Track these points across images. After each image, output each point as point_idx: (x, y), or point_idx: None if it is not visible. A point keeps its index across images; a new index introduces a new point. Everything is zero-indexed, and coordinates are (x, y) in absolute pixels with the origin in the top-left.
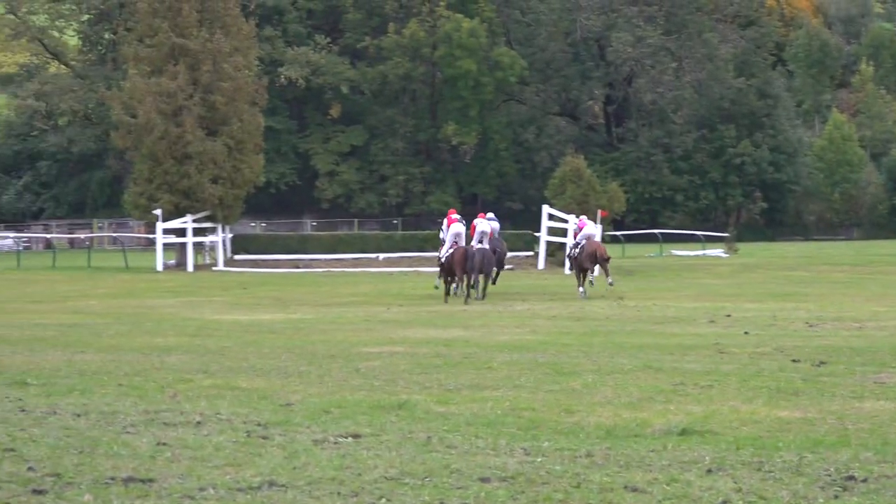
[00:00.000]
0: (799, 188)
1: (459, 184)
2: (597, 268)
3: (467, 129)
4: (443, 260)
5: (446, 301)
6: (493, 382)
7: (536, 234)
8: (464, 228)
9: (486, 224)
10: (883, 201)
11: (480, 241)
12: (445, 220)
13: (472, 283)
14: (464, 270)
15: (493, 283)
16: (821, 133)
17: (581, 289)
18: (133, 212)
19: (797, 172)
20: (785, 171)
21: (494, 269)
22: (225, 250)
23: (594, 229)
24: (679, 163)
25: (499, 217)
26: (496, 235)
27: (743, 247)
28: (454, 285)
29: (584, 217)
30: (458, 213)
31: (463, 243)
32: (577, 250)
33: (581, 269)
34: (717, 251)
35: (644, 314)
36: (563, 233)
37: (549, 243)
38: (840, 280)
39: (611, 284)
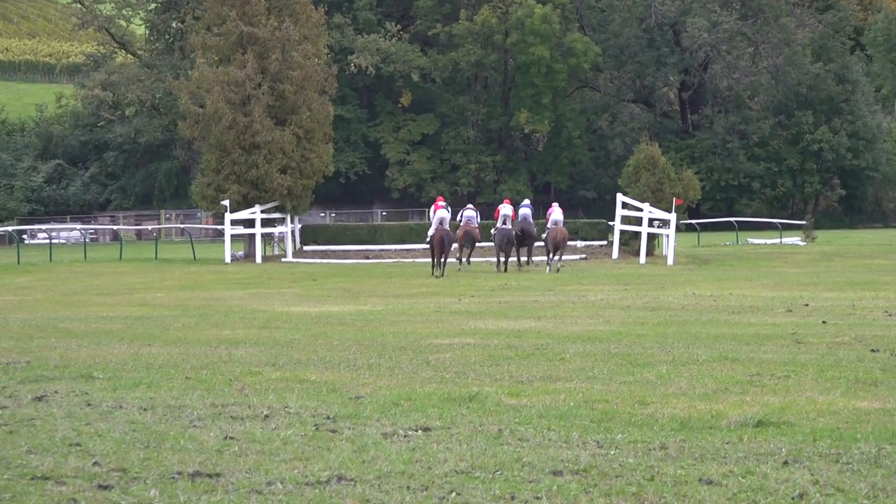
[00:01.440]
0: (878, 175)
1: (532, 172)
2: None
3: (540, 116)
4: (427, 241)
5: (433, 274)
6: (565, 374)
7: (610, 223)
8: (448, 214)
9: (509, 208)
10: None
11: (504, 223)
12: (433, 207)
13: (501, 259)
14: (441, 251)
15: (528, 263)
16: None
17: (549, 266)
18: (201, 203)
19: (876, 159)
20: (863, 158)
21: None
22: (294, 241)
23: (560, 216)
24: (755, 150)
25: (572, 206)
26: (530, 220)
27: (821, 234)
28: (463, 260)
29: (555, 204)
30: (529, 201)
31: (447, 227)
32: (545, 235)
33: (546, 251)
34: (794, 239)
35: (720, 304)
36: (638, 221)
37: (622, 232)
38: None
39: (558, 270)
